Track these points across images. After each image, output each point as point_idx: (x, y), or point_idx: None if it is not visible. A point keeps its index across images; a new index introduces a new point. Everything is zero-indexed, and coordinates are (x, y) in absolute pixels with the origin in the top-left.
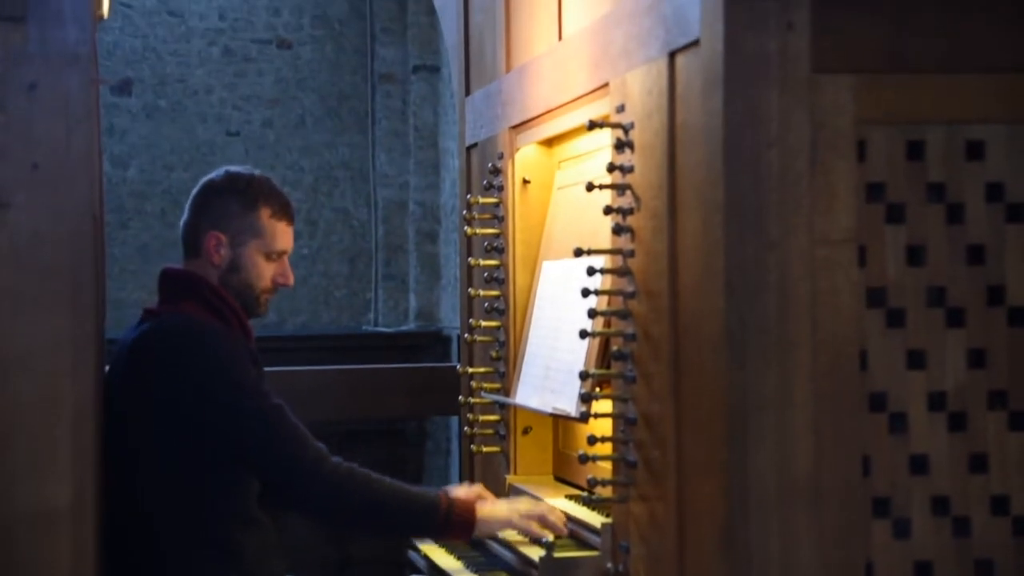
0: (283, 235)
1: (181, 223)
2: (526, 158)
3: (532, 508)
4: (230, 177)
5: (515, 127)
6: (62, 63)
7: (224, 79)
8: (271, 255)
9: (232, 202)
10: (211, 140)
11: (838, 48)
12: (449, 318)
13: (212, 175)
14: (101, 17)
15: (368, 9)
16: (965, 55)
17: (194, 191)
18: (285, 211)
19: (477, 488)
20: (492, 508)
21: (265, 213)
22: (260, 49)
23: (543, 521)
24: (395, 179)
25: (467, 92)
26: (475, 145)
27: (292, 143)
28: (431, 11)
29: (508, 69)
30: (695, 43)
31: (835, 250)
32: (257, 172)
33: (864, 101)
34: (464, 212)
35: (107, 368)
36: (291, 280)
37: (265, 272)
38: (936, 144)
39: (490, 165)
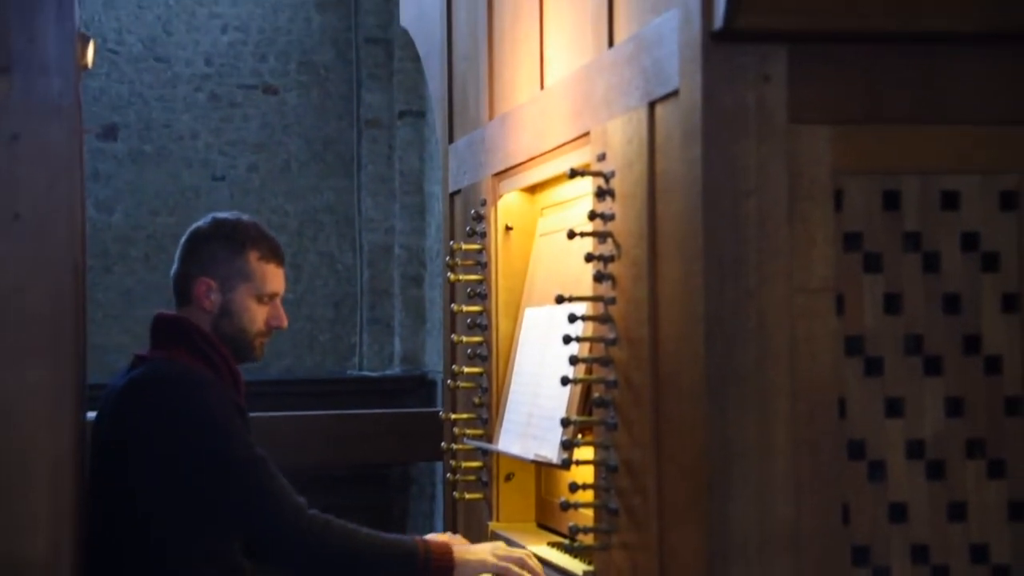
0: (273, 277)
1: (171, 273)
2: (509, 205)
3: (509, 551)
4: (217, 223)
5: (498, 174)
6: (45, 113)
7: (210, 124)
8: (262, 298)
9: (219, 247)
10: (196, 185)
11: (814, 99)
12: (434, 362)
13: (199, 223)
14: (86, 66)
15: (354, 55)
16: (939, 107)
17: (182, 240)
18: (274, 253)
19: (449, 534)
20: (469, 549)
21: (253, 256)
22: (246, 94)
23: (522, 564)
24: (380, 223)
25: (451, 139)
26: (458, 192)
27: (277, 188)
28: (417, 57)
29: (491, 117)
30: (674, 93)
31: (813, 298)
32: (244, 217)
33: (841, 151)
34: (447, 258)
35: (95, 413)
36: (285, 322)
37: (258, 315)
38: (911, 194)
39: (473, 212)
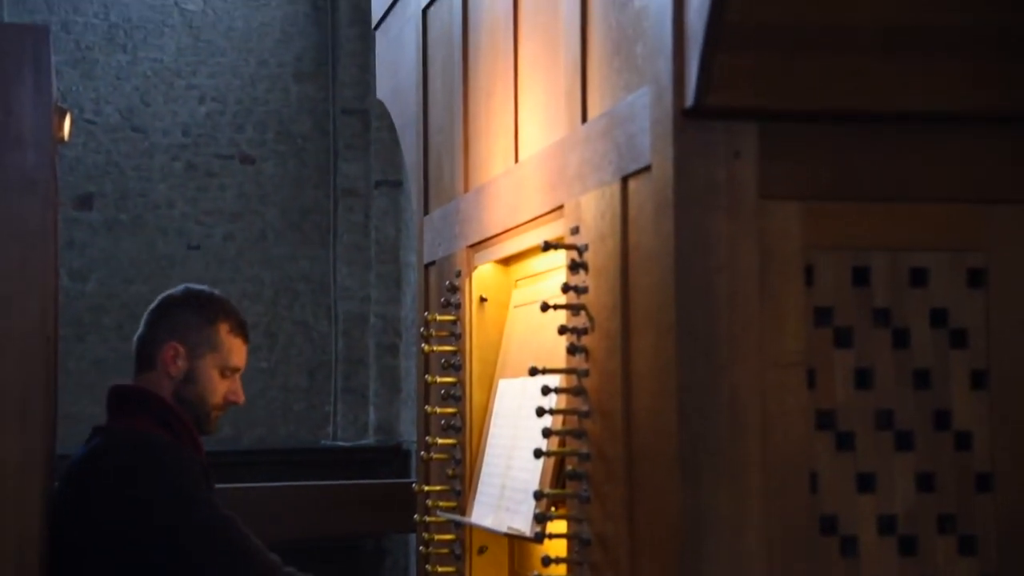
0: (239, 351)
1: (135, 338)
2: (483, 276)
3: None
4: (190, 293)
5: (472, 246)
6: (20, 188)
7: (186, 193)
8: (225, 371)
9: (192, 315)
10: (171, 254)
11: (785, 176)
12: (409, 432)
13: (170, 291)
14: (62, 139)
15: (331, 125)
16: (907, 185)
17: (151, 306)
18: (242, 328)
19: None
20: None
21: (224, 328)
22: (223, 164)
23: None
24: (356, 292)
25: (426, 211)
26: (433, 263)
27: (253, 256)
28: (394, 127)
29: (466, 189)
30: (647, 169)
31: (784, 373)
32: (216, 291)
33: (811, 227)
34: (422, 329)
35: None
36: (242, 399)
37: (219, 388)
38: (881, 270)
39: (448, 283)
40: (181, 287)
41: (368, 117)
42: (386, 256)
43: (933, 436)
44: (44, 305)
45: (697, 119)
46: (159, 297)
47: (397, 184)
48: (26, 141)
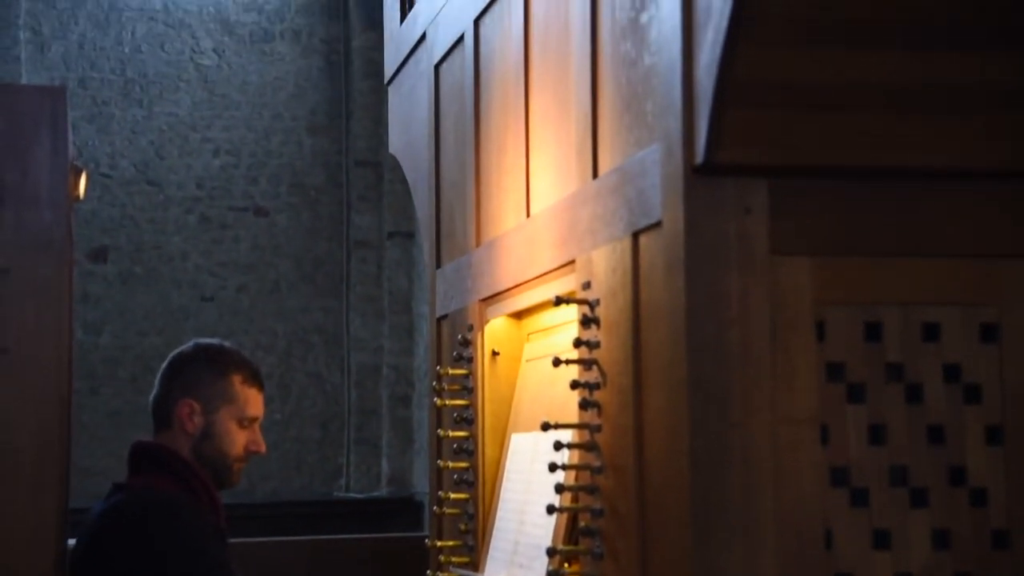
0: (255, 401)
1: (151, 397)
2: (495, 330)
3: None
4: (200, 347)
5: (485, 300)
6: (36, 247)
7: (200, 246)
8: (243, 421)
9: (204, 370)
10: (185, 305)
11: (795, 231)
12: (422, 483)
13: (181, 348)
14: (78, 197)
15: (344, 178)
16: (918, 239)
17: (163, 365)
18: (256, 378)
19: None
20: None
21: (237, 379)
22: (237, 216)
23: None
24: (369, 343)
25: (438, 264)
26: (445, 316)
27: (266, 308)
28: (406, 179)
29: (478, 243)
30: (657, 224)
31: (797, 429)
32: (226, 343)
33: (822, 283)
34: (434, 383)
35: (73, 541)
36: (263, 448)
37: (238, 439)
38: (893, 325)
39: (460, 337)
40: (191, 343)
41: (381, 169)
42: (399, 307)
43: (948, 492)
44: (58, 364)
45: (707, 175)
46: (170, 355)
47: (409, 235)
48: (42, 200)
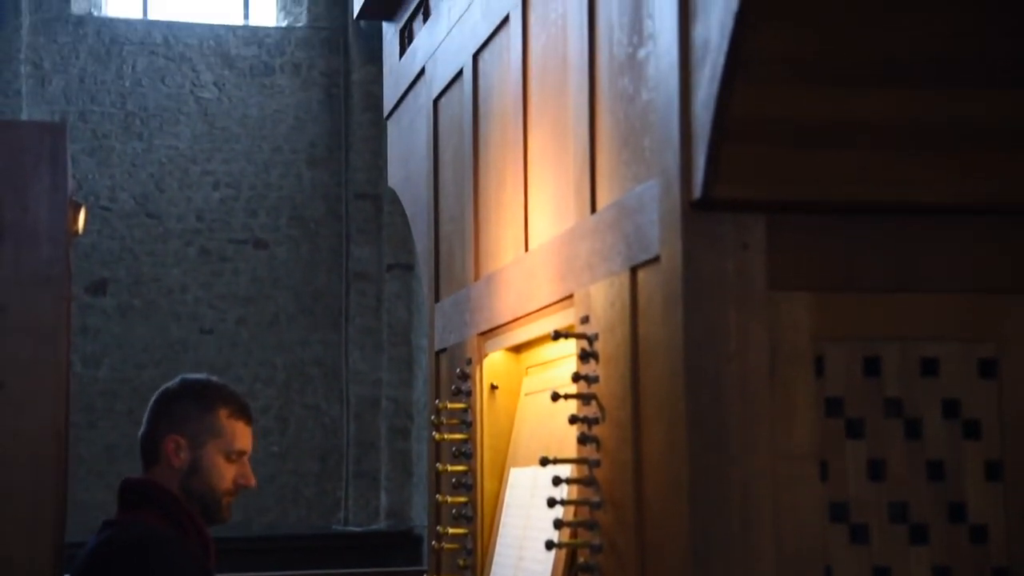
0: (242, 435)
1: (140, 435)
2: (494, 364)
3: None
4: (186, 383)
5: (483, 333)
6: (34, 283)
7: (199, 278)
8: (231, 455)
9: (190, 405)
10: (184, 338)
11: (793, 267)
12: (421, 517)
13: (167, 384)
14: (76, 233)
15: (344, 210)
16: (916, 275)
17: (151, 402)
18: (243, 411)
19: None
20: None
21: (223, 413)
22: (236, 249)
23: None
24: (368, 376)
25: (437, 298)
26: (444, 350)
27: (266, 340)
28: (405, 212)
29: (477, 277)
30: (655, 259)
31: (796, 465)
32: (213, 377)
33: (820, 318)
34: (433, 417)
35: None
36: (252, 481)
37: (226, 473)
38: (891, 360)
39: (458, 370)
40: (177, 379)
41: (380, 201)
42: (398, 339)
43: (948, 529)
44: (55, 399)
45: (705, 211)
46: (157, 392)
47: (409, 267)
48: (41, 237)
